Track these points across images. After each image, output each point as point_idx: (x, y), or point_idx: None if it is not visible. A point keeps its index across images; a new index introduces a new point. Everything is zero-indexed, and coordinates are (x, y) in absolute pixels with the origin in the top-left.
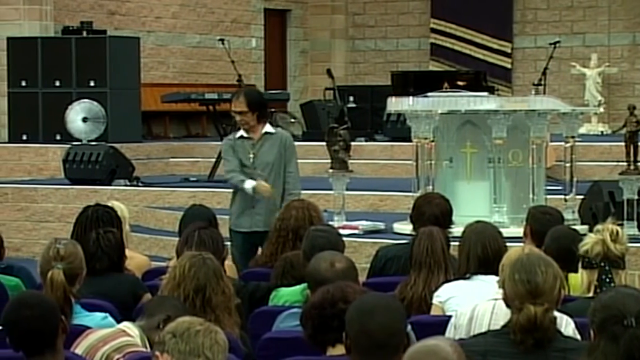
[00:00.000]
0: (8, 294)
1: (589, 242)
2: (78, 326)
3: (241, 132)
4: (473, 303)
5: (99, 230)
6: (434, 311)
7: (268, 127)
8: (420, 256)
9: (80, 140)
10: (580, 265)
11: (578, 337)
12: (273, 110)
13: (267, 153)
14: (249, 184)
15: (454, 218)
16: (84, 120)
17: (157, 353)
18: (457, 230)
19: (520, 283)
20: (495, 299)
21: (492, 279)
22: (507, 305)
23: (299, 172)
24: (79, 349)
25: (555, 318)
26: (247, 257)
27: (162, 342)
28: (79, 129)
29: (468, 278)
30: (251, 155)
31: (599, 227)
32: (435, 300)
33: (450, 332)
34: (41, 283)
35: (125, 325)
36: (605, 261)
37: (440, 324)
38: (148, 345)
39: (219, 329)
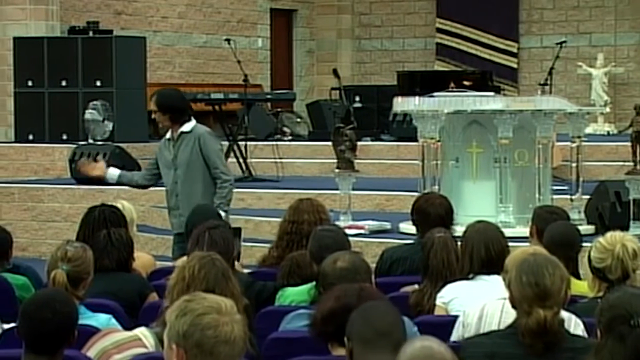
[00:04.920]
0: (16, 293)
1: (608, 261)
2: (82, 326)
3: (168, 134)
4: (482, 302)
5: (110, 228)
6: (437, 312)
7: (185, 127)
8: (436, 268)
9: (93, 141)
10: (591, 271)
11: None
12: (279, 110)
13: (183, 152)
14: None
15: (459, 218)
16: (103, 120)
17: (174, 346)
18: (459, 229)
19: (528, 286)
20: (504, 298)
21: (495, 279)
22: (514, 307)
23: (223, 163)
24: (92, 351)
25: (563, 320)
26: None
27: (182, 337)
28: (100, 130)
29: (471, 278)
30: (172, 156)
31: (612, 239)
32: (438, 301)
33: (458, 330)
34: (47, 283)
35: (143, 332)
36: (621, 277)
37: (445, 324)
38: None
39: (242, 334)
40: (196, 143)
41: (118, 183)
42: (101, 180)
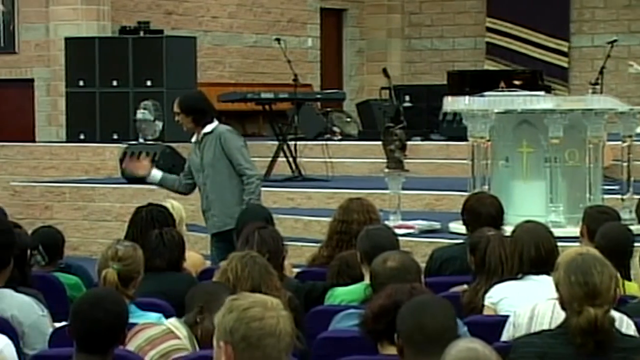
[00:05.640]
0: (67, 293)
1: None
2: (132, 325)
3: (194, 137)
4: (533, 302)
5: (157, 228)
6: (486, 312)
7: (207, 128)
8: (494, 264)
9: (144, 140)
10: None
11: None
12: (329, 109)
13: (207, 153)
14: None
15: (509, 217)
16: (154, 120)
17: (222, 343)
18: (508, 229)
19: (577, 285)
20: (555, 299)
21: (545, 279)
22: (563, 308)
23: (246, 159)
24: (129, 347)
25: (614, 319)
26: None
27: (229, 333)
28: (151, 129)
29: (520, 278)
30: (199, 159)
31: None
32: (487, 302)
33: (509, 331)
34: (98, 282)
35: (174, 324)
36: None
37: (495, 324)
38: (197, 344)
39: (289, 327)
40: (218, 142)
41: (159, 185)
42: (144, 180)
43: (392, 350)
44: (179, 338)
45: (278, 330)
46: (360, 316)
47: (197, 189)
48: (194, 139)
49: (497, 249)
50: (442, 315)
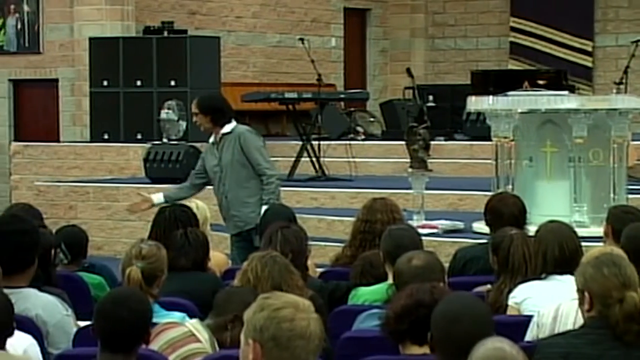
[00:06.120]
0: (91, 292)
1: None
2: (155, 324)
3: (212, 138)
4: (557, 302)
5: (181, 227)
6: (509, 312)
7: (226, 128)
8: (518, 262)
9: (168, 140)
10: None
11: None
12: (353, 109)
13: (226, 153)
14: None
15: (533, 217)
16: (178, 120)
17: (250, 340)
18: (532, 229)
19: (612, 276)
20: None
21: (569, 279)
22: (589, 308)
23: (266, 159)
24: (152, 347)
25: None
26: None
27: (259, 331)
28: (175, 129)
29: (544, 278)
30: (217, 160)
31: None
32: (511, 302)
33: (533, 330)
34: (122, 281)
35: (195, 326)
36: None
37: (519, 324)
38: (217, 349)
39: (319, 329)
40: (237, 142)
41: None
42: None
43: (414, 350)
44: (199, 341)
45: (308, 333)
46: (382, 317)
47: (199, 190)
48: (211, 140)
49: (521, 247)
50: (475, 328)
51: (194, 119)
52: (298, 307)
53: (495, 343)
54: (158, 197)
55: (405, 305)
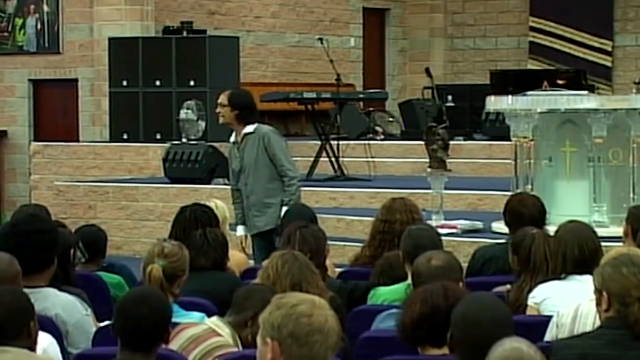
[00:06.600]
0: (110, 292)
1: None
2: (175, 324)
3: (232, 137)
4: (576, 302)
5: (201, 227)
6: (529, 312)
7: (248, 128)
8: (539, 261)
9: (187, 140)
10: None
11: None
12: (372, 109)
13: (249, 153)
14: (239, 230)
15: (552, 217)
16: (197, 120)
17: (269, 339)
18: (551, 229)
19: (631, 275)
20: None
21: (589, 279)
22: (607, 307)
23: (289, 160)
24: (172, 347)
25: None
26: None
27: (276, 329)
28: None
29: (563, 278)
30: (239, 159)
31: None
32: (530, 302)
33: (552, 331)
34: (142, 280)
35: (215, 322)
36: None
37: (538, 324)
38: (240, 343)
39: (337, 326)
40: (261, 142)
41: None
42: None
43: (433, 352)
44: (221, 336)
45: (326, 328)
46: (397, 323)
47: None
48: (232, 139)
49: (542, 246)
50: (495, 332)
51: (218, 109)
52: (314, 303)
53: (513, 343)
54: (242, 230)
55: (421, 313)
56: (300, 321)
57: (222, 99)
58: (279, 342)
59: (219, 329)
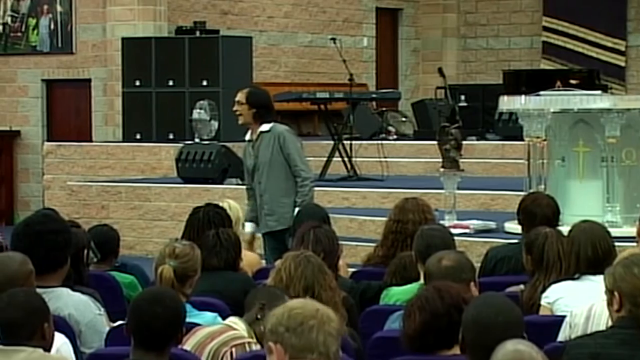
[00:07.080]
0: (123, 291)
1: None
2: (188, 324)
3: (247, 135)
4: (589, 302)
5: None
6: (542, 312)
7: (264, 127)
8: (553, 259)
9: (200, 140)
10: None
11: None
12: (384, 109)
13: (264, 152)
14: (247, 227)
15: (565, 217)
16: (209, 120)
17: (271, 344)
18: (564, 229)
19: None
20: None
21: (602, 279)
22: (619, 308)
23: (303, 160)
24: (187, 346)
25: None
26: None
27: (274, 331)
28: (206, 129)
29: (577, 278)
30: (253, 157)
31: None
32: (543, 301)
33: (565, 331)
34: (154, 280)
35: (232, 320)
36: None
37: (551, 324)
38: (255, 339)
39: (332, 314)
40: (276, 141)
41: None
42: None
43: (443, 353)
44: (237, 330)
45: (319, 314)
46: (400, 335)
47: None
48: (247, 137)
49: (555, 245)
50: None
51: (235, 107)
52: (306, 299)
53: (515, 345)
54: (250, 227)
55: (423, 321)
56: (292, 314)
57: (240, 96)
58: (280, 342)
59: (235, 325)
